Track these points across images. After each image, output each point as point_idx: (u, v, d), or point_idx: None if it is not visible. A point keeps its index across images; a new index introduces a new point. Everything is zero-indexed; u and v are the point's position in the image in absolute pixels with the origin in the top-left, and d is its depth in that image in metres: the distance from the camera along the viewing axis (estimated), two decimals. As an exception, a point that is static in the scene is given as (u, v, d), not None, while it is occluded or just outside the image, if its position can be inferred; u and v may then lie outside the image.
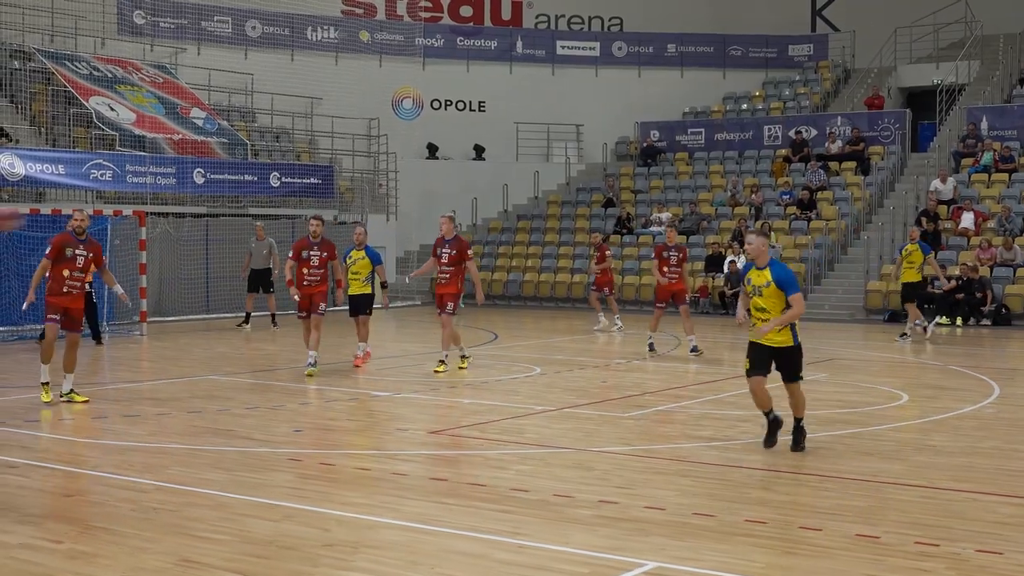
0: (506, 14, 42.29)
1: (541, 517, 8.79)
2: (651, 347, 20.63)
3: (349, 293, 18.79)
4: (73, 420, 13.42)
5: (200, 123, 31.66)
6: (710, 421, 13.50)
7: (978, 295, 27.22)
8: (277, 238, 30.09)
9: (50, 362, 14.50)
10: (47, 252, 14.44)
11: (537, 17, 42.57)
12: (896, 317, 28.22)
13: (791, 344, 11.43)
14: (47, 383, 14.53)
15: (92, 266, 14.66)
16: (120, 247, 25.19)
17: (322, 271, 17.50)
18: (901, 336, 23.59)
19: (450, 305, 17.55)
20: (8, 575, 7.26)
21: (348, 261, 18.67)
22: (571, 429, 12.83)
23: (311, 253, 17.46)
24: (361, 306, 18.77)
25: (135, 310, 24.66)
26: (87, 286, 21.79)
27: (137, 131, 29.55)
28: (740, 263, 30.44)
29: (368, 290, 18.87)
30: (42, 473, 10.39)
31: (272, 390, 15.83)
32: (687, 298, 20.98)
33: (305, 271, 17.42)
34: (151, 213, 26.17)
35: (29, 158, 26.14)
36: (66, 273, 14.37)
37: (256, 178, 30.79)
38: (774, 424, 11.49)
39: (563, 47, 41.69)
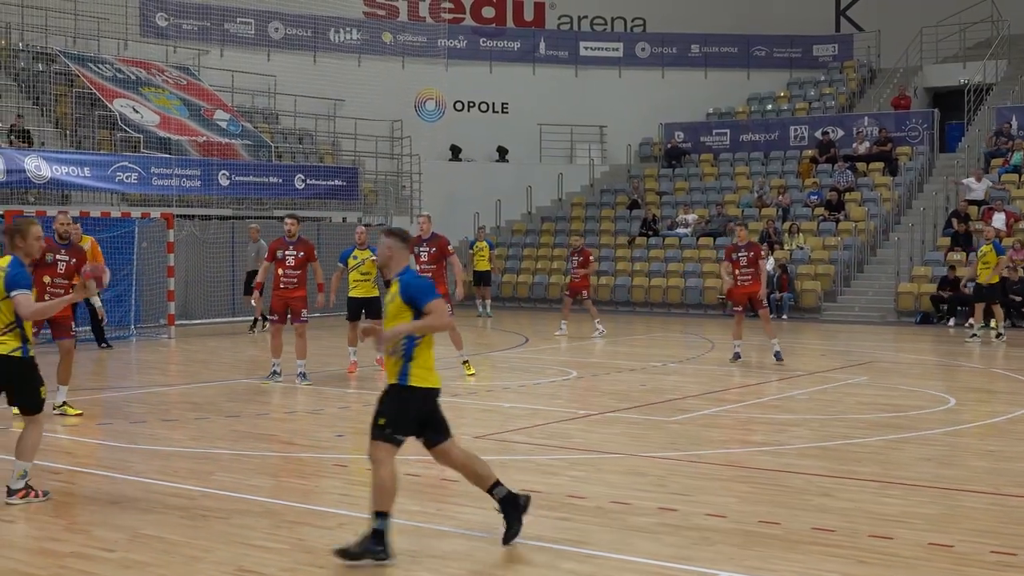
0: (529, 15, 42.06)
1: (602, 525, 8.57)
2: (736, 356, 19.28)
3: (355, 295, 17.90)
4: (112, 425, 13.23)
5: (224, 125, 31.50)
6: (758, 425, 13.26)
7: (1018, 297, 26.82)
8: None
9: None
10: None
11: (560, 18, 42.32)
12: (928, 319, 27.94)
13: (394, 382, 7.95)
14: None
15: (75, 273, 13.48)
16: (147, 250, 25.04)
17: (299, 272, 16.58)
18: (972, 336, 23.31)
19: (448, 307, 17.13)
20: (63, 585, 7.07)
21: (352, 262, 17.93)
22: (618, 434, 12.60)
23: (286, 253, 16.55)
24: (371, 309, 17.87)
25: (163, 313, 24.51)
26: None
27: (161, 133, 29.41)
28: (769, 266, 30.18)
29: (377, 292, 18.09)
30: (87, 479, 10.20)
31: (306, 393, 15.62)
32: (764, 300, 19.57)
33: (280, 272, 16.48)
34: (177, 215, 26.00)
35: (55, 160, 26.00)
36: (47, 280, 13.49)
37: (281, 180, 30.62)
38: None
39: (586, 48, 41.44)
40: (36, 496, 9.15)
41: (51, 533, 8.25)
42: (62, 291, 13.45)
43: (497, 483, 7.98)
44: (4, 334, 9.02)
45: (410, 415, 7.86)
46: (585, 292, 24.68)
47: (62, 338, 13.63)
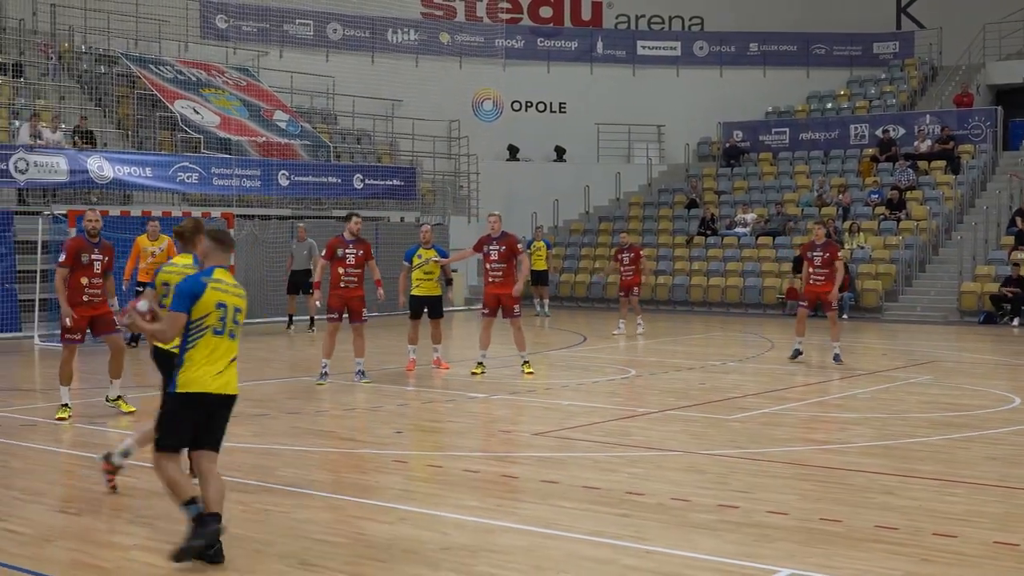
0: (586, 15, 41.99)
1: (662, 521, 8.53)
2: (796, 353, 19.06)
3: (418, 294, 17.89)
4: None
5: (283, 126, 31.70)
6: (820, 424, 13.17)
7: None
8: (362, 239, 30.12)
9: (70, 383, 13.33)
10: (61, 259, 13.17)
11: (617, 17, 42.22)
12: (991, 319, 27.59)
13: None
14: (66, 405, 13.23)
15: (107, 272, 13.36)
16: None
17: (359, 271, 16.34)
18: None
19: (516, 307, 17.19)
20: (127, 577, 7.13)
21: (416, 261, 17.86)
22: (677, 432, 12.54)
23: (346, 251, 16.28)
24: (434, 308, 17.99)
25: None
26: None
27: (222, 134, 29.64)
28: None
29: (440, 291, 18.21)
30: (149, 474, 10.24)
31: (365, 391, 15.66)
32: (834, 302, 18.99)
33: (341, 271, 16.25)
34: (237, 215, 26.19)
35: (117, 161, 26.27)
36: (84, 281, 13.14)
37: (339, 180, 30.77)
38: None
39: (644, 47, 41.32)
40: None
41: (115, 526, 8.33)
42: (99, 291, 13.27)
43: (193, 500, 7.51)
44: None
45: (180, 421, 7.64)
46: (636, 289, 24.61)
47: (108, 333, 13.37)
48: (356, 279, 16.35)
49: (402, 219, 32.26)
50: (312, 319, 25.42)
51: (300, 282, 25.32)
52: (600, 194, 38.90)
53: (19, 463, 10.88)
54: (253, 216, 28.27)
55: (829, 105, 40.07)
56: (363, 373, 16.33)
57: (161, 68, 31.42)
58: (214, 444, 7.70)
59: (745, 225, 34.25)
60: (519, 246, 17.60)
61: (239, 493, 9.41)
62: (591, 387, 16.37)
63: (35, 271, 22.95)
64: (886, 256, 30.77)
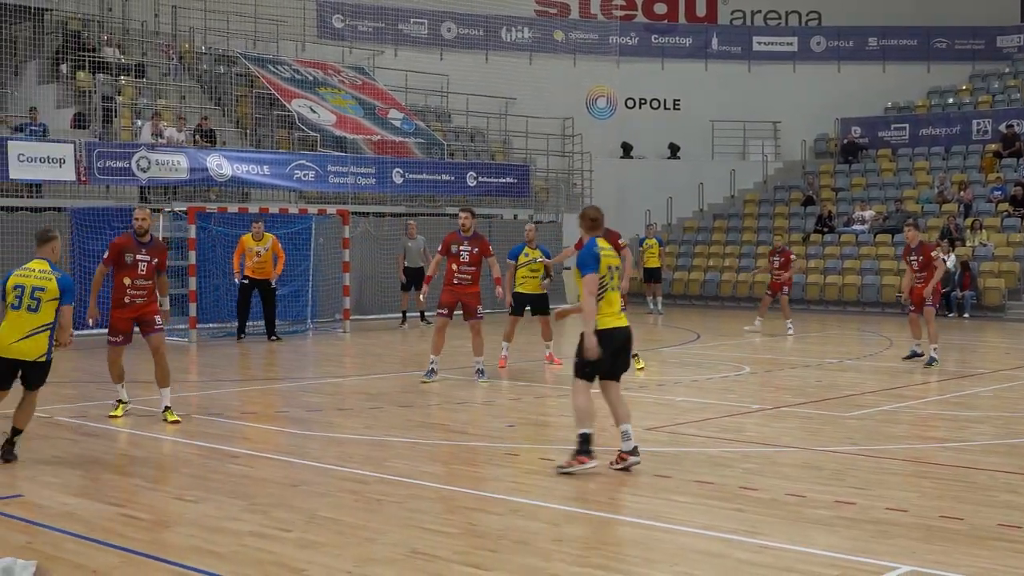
0: (701, 11, 41.64)
1: (777, 517, 8.39)
2: (912, 354, 18.41)
3: (522, 291, 17.77)
4: (289, 413, 13.50)
5: (398, 124, 31.94)
6: (940, 422, 12.87)
7: None
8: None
9: (122, 380, 13.05)
10: (104, 257, 12.78)
11: (732, 13, 41.80)
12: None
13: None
14: (121, 401, 13.04)
15: (155, 273, 12.82)
16: (324, 246, 25.54)
17: (474, 268, 15.94)
18: None
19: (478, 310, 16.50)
20: (241, 561, 7.20)
21: (523, 259, 17.78)
22: (793, 428, 12.35)
23: (461, 248, 15.88)
24: (537, 306, 17.90)
25: (338, 307, 24.93)
26: (271, 282, 22.31)
27: (337, 132, 29.95)
28: (950, 262, 29.32)
29: (544, 290, 18.04)
30: (265, 463, 10.41)
31: (478, 386, 15.67)
32: (928, 299, 18.11)
33: (455, 267, 15.87)
34: (353, 212, 26.45)
35: (235, 159, 26.69)
36: (127, 281, 12.62)
37: (453, 178, 30.91)
38: None
39: (759, 43, 40.86)
40: None
41: (231, 513, 8.43)
42: (143, 293, 12.74)
43: None
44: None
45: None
46: (786, 289, 24.26)
47: (150, 333, 12.72)
48: (470, 276, 15.99)
49: (515, 217, 32.29)
50: (422, 312, 25.59)
51: (414, 279, 25.46)
52: (714, 191, 38.54)
53: (139, 452, 11.10)
54: (368, 213, 28.53)
55: (951, 100, 39.21)
56: (482, 372, 15.98)
57: (279, 68, 31.87)
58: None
59: (863, 222, 33.67)
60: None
61: (351, 483, 9.49)
62: (704, 384, 16.21)
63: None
64: (1009, 254, 30.01)
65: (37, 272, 10.23)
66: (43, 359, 10.22)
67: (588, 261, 9.79)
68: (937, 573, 6.97)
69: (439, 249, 16.36)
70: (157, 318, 12.82)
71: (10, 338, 10.07)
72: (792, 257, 24.62)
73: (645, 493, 9.14)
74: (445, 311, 16.03)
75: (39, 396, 10.57)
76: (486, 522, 8.19)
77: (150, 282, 12.78)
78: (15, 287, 10.14)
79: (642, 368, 17.05)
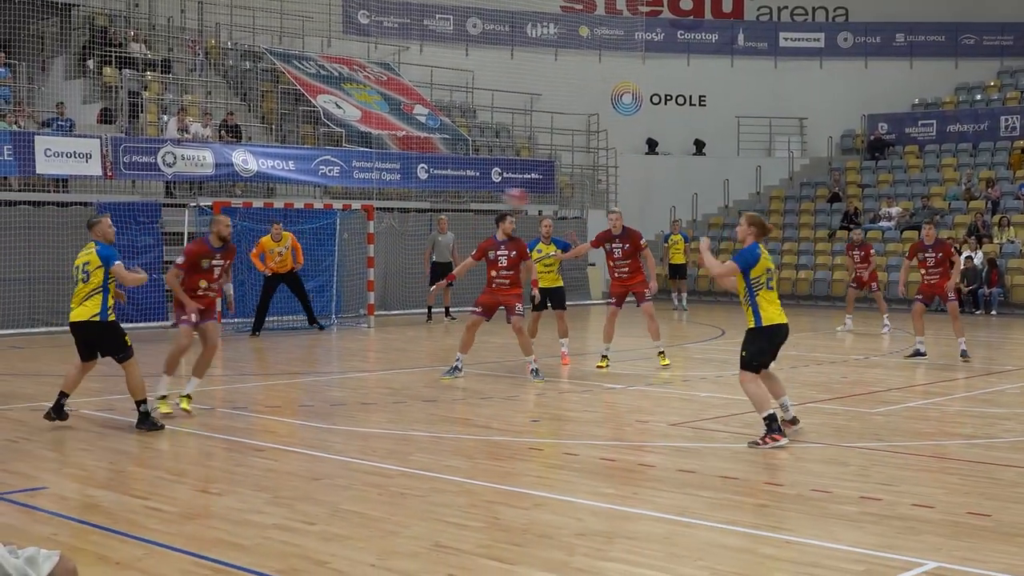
0: (727, 7, 41.46)
1: (802, 512, 8.34)
2: (916, 353, 18.26)
3: (540, 285, 17.50)
4: (313, 407, 13.51)
5: (423, 120, 31.95)
6: (967, 418, 12.77)
7: None
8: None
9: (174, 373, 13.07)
10: (179, 261, 12.87)
11: (759, 9, 41.61)
12: None
13: None
14: (188, 395, 12.98)
15: (224, 273, 13.14)
16: (348, 241, 25.56)
17: (512, 272, 15.83)
18: None
19: (647, 292, 16.95)
20: (265, 554, 7.20)
21: (536, 255, 17.42)
22: (818, 424, 12.27)
23: (498, 254, 15.79)
24: (555, 299, 17.73)
25: (362, 302, 24.96)
26: (295, 271, 22.63)
27: (363, 128, 29.97)
28: (977, 259, 29.14)
29: (561, 282, 17.94)
30: (288, 457, 10.42)
31: (502, 381, 15.66)
32: (950, 293, 18.19)
33: (493, 273, 15.80)
34: (377, 208, 26.46)
35: (261, 154, 26.75)
36: (203, 284, 12.83)
37: (478, 173, 30.92)
38: None
39: (786, 39, 40.68)
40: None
41: (255, 506, 8.43)
42: (214, 290, 13.01)
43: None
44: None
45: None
46: (875, 285, 23.88)
47: (208, 319, 12.97)
48: (509, 280, 15.84)
49: (540, 212, 32.25)
50: (447, 308, 25.60)
51: (442, 273, 25.42)
52: (740, 188, 38.40)
53: (165, 445, 11.12)
54: (392, 209, 28.55)
55: (978, 96, 38.96)
56: (537, 372, 15.66)
57: (304, 63, 31.92)
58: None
59: (890, 219, 33.50)
60: (642, 242, 17.11)
61: (375, 476, 9.48)
62: (730, 380, 16.09)
63: (181, 262, 23.44)
64: (1038, 251, 29.81)
65: (85, 251, 11.97)
66: (97, 319, 11.74)
67: (750, 262, 11.03)
68: (964, 569, 6.90)
69: (473, 254, 16.15)
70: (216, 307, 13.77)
71: (73, 307, 11.88)
72: (872, 251, 24.18)
73: (669, 488, 9.10)
74: (480, 310, 15.96)
75: (134, 368, 11.84)
76: (509, 516, 8.17)
77: (221, 280, 13.19)
78: (75, 268, 11.93)
79: (667, 364, 16.99)
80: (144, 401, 11.79)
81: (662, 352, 17.25)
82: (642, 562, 7.05)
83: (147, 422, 11.69)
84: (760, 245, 11.21)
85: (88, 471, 9.74)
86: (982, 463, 10.10)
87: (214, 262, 12.82)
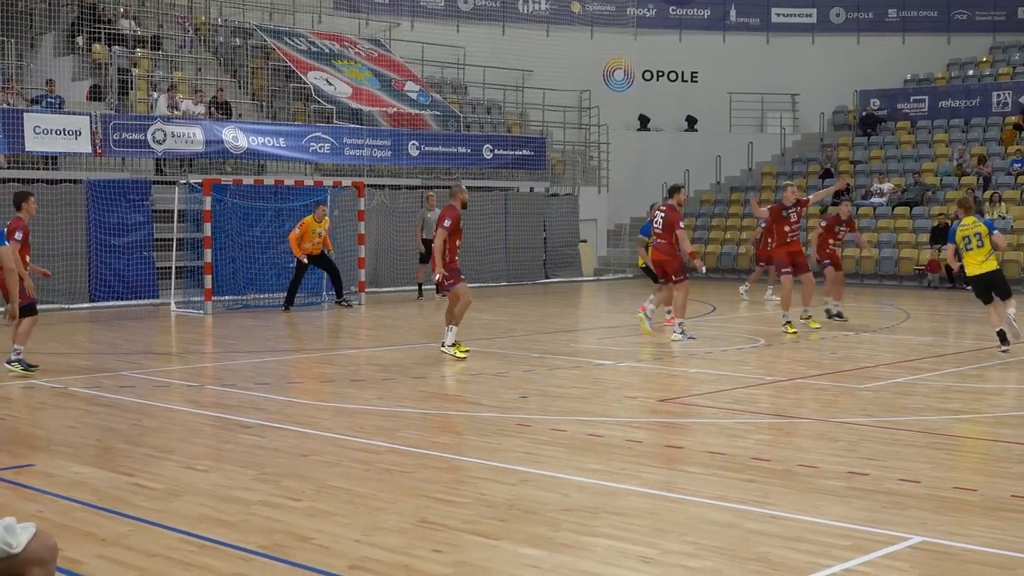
0: (719, -18, 41.33)
1: (788, 487, 8.35)
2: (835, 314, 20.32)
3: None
4: (302, 384, 13.51)
5: (414, 96, 31.85)
6: (955, 394, 12.78)
7: None
8: (491, 209, 30.22)
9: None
10: (447, 225, 14.86)
11: (751, -16, 41.50)
12: None
13: None
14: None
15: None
16: (339, 218, 25.52)
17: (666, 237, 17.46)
18: None
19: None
20: (251, 530, 7.19)
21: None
22: (807, 400, 12.30)
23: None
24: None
25: (353, 280, 24.93)
26: (327, 253, 22.78)
27: (353, 105, 29.89)
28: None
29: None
30: (276, 433, 10.41)
31: (492, 357, 15.66)
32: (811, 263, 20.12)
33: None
34: (368, 185, 26.40)
35: (251, 131, 26.67)
36: (457, 243, 15.18)
37: (469, 150, 30.85)
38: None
39: (778, 15, 40.55)
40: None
41: (241, 483, 8.43)
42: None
43: None
44: None
45: None
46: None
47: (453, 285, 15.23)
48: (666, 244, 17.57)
49: (531, 189, 32.23)
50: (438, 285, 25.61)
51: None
52: (732, 164, 38.36)
53: (152, 422, 11.10)
54: (383, 186, 28.50)
55: (971, 72, 38.90)
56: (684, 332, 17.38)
57: (295, 40, 31.79)
58: None
59: (881, 195, 33.50)
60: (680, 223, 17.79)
61: (362, 453, 9.48)
62: (719, 356, 16.15)
63: (171, 239, 23.42)
64: (1029, 226, 29.83)
65: None
66: None
67: (950, 235, 15.67)
68: (949, 544, 6.91)
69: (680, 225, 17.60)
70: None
71: None
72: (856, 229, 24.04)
73: (656, 463, 9.11)
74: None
75: None
76: (496, 492, 8.17)
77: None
78: None
79: (659, 335, 17.06)
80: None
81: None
82: (628, 537, 7.05)
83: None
84: (964, 219, 15.42)
85: (75, 448, 9.73)
86: (969, 438, 10.13)
87: (462, 224, 15.27)
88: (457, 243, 15.14)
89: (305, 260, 22.60)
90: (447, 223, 14.91)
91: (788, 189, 19.43)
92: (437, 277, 15.12)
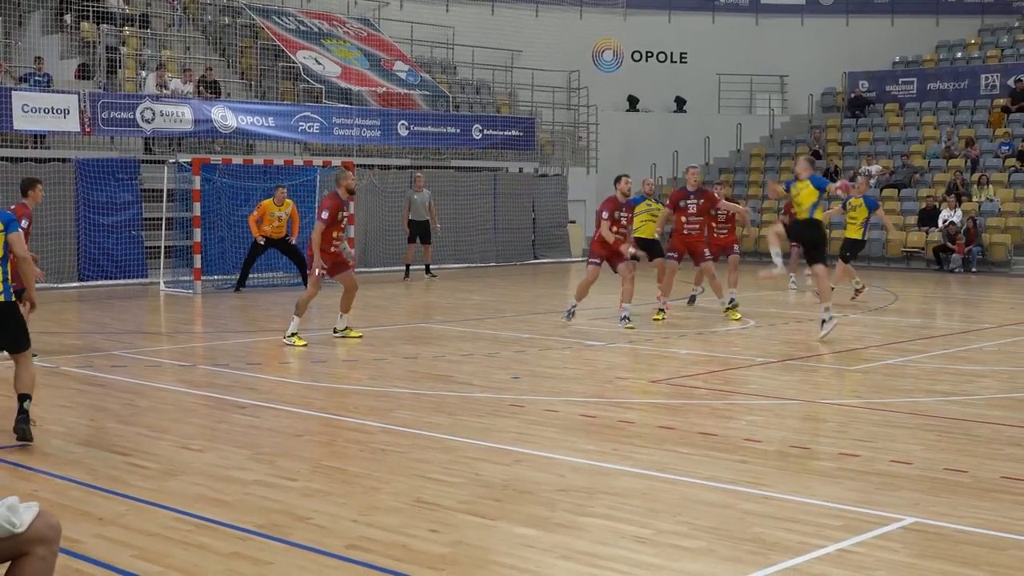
0: (708, -37, 41.30)
1: (781, 468, 8.41)
2: (692, 299, 20.55)
3: (640, 235, 18.79)
4: (295, 363, 13.53)
5: (403, 76, 31.78)
6: (944, 375, 12.85)
7: None
8: (480, 189, 30.24)
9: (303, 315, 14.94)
10: (325, 218, 14.50)
11: (740, -35, 41.47)
12: None
13: None
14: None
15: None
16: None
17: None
18: None
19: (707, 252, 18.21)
20: (247, 510, 7.22)
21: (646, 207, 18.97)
22: (798, 381, 12.36)
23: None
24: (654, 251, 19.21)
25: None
26: (289, 240, 22.50)
27: (343, 84, 29.82)
28: (956, 218, 29.23)
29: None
30: (270, 414, 10.43)
31: (483, 338, 15.71)
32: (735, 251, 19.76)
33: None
34: (357, 165, 26.35)
35: (240, 111, 26.60)
36: (335, 235, 14.77)
37: (458, 130, 30.82)
38: None
39: (767, -4, 40.59)
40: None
41: (236, 463, 8.45)
42: (341, 242, 14.96)
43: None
44: None
45: None
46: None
47: (342, 272, 15.01)
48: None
49: (520, 170, 32.22)
50: (427, 266, 25.64)
51: (419, 231, 25.48)
52: (721, 145, 38.40)
53: (145, 402, 11.11)
54: (373, 166, 28.46)
55: (959, 54, 38.97)
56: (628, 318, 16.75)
57: (283, 19, 31.69)
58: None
59: (870, 177, 33.54)
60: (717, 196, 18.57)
61: (356, 433, 9.52)
62: (709, 337, 16.22)
63: (160, 219, 23.37)
64: (1016, 209, 29.94)
65: None
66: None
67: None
68: (941, 525, 6.97)
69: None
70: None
71: None
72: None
73: (649, 444, 9.16)
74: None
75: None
76: (490, 472, 8.21)
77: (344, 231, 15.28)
78: None
79: (658, 320, 17.20)
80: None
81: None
82: (622, 517, 7.09)
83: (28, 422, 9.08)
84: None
85: (69, 428, 9.74)
86: (959, 420, 10.18)
87: (344, 213, 14.91)
88: (335, 235, 14.76)
89: (261, 242, 22.30)
90: (325, 215, 14.48)
91: (689, 171, 18.32)
92: (316, 272, 14.60)
